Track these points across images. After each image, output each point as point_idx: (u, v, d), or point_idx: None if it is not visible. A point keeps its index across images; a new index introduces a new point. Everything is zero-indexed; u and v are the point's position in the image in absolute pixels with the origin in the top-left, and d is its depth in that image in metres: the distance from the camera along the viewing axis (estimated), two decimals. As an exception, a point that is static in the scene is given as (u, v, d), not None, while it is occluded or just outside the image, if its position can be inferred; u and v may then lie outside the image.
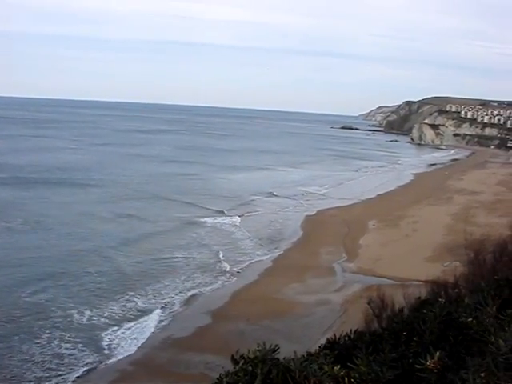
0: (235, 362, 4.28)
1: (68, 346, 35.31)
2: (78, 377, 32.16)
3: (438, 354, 3.91)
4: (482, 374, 3.62)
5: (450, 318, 4.63)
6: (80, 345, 35.56)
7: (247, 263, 54.72)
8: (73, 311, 40.63)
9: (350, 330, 5.44)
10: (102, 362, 33.90)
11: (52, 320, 38.98)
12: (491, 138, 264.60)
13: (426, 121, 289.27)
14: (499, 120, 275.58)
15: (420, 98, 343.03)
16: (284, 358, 4.12)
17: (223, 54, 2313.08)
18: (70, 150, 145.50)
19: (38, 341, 35.72)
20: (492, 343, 3.97)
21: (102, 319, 39.84)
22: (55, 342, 35.60)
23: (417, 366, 3.95)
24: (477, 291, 5.90)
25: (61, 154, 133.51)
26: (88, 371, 32.79)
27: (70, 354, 34.34)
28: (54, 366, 32.91)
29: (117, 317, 40.40)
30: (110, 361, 34.24)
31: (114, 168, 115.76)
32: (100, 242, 58.81)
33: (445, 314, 4.65)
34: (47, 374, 32.09)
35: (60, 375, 32.11)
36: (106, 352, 35.20)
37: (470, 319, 4.42)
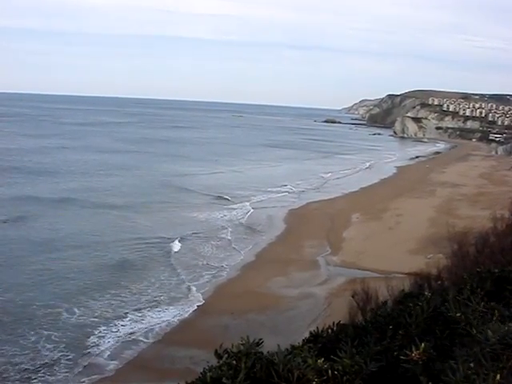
0: (219, 356, 4.23)
1: (50, 346, 34.87)
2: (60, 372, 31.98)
3: (423, 345, 3.90)
4: (471, 364, 3.62)
5: (437, 312, 4.61)
6: (62, 345, 35.21)
7: (230, 257, 54.60)
8: (59, 309, 40.21)
9: (333, 323, 5.41)
10: (86, 359, 33.66)
11: (36, 318, 38.61)
12: (473, 131, 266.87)
13: (408, 114, 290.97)
14: (481, 113, 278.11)
15: (402, 92, 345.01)
16: (268, 352, 4.08)
17: (207, 49, 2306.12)
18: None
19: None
20: (481, 333, 3.97)
21: (90, 317, 39.41)
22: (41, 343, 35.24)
23: (402, 357, 3.94)
24: (460, 284, 5.90)
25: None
26: (72, 368, 32.55)
27: (52, 352, 34.00)
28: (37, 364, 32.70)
29: (102, 314, 40.06)
30: (95, 358, 34.03)
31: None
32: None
33: (432, 308, 4.64)
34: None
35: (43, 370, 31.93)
36: (90, 350, 34.93)
37: (458, 314, 4.42)
